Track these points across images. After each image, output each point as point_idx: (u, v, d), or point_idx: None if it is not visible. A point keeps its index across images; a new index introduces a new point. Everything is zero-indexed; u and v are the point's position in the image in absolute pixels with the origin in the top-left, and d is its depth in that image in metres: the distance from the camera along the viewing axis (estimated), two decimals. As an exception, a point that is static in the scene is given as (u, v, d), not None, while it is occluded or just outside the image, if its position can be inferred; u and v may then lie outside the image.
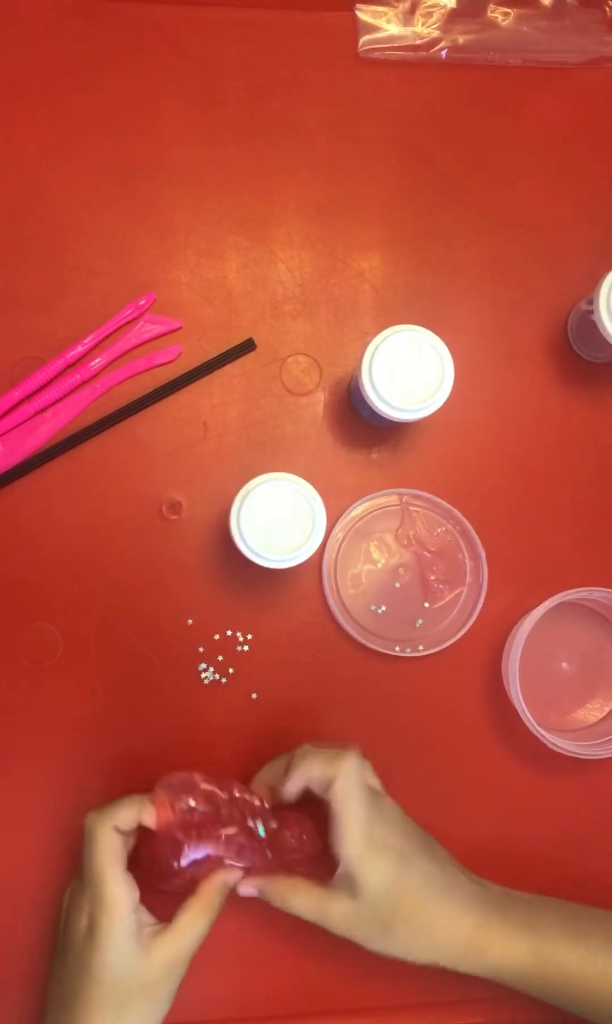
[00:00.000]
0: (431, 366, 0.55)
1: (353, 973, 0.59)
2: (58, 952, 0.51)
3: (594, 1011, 0.52)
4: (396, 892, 0.50)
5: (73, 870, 0.52)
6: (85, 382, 0.62)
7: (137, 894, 0.49)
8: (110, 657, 0.61)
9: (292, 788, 0.52)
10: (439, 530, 0.63)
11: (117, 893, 0.48)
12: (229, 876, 0.51)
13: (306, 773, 0.52)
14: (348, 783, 0.51)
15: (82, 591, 0.61)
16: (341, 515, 0.62)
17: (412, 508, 0.63)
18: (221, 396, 0.63)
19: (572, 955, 0.51)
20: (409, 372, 0.55)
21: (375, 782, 0.54)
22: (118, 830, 0.49)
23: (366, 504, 0.63)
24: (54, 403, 0.62)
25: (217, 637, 0.61)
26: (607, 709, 0.63)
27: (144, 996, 0.48)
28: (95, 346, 0.63)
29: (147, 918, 0.50)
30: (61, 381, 0.62)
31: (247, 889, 0.52)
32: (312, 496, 0.54)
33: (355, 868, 0.50)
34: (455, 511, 0.63)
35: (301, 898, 0.51)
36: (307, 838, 0.52)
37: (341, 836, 0.50)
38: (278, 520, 0.54)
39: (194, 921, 0.49)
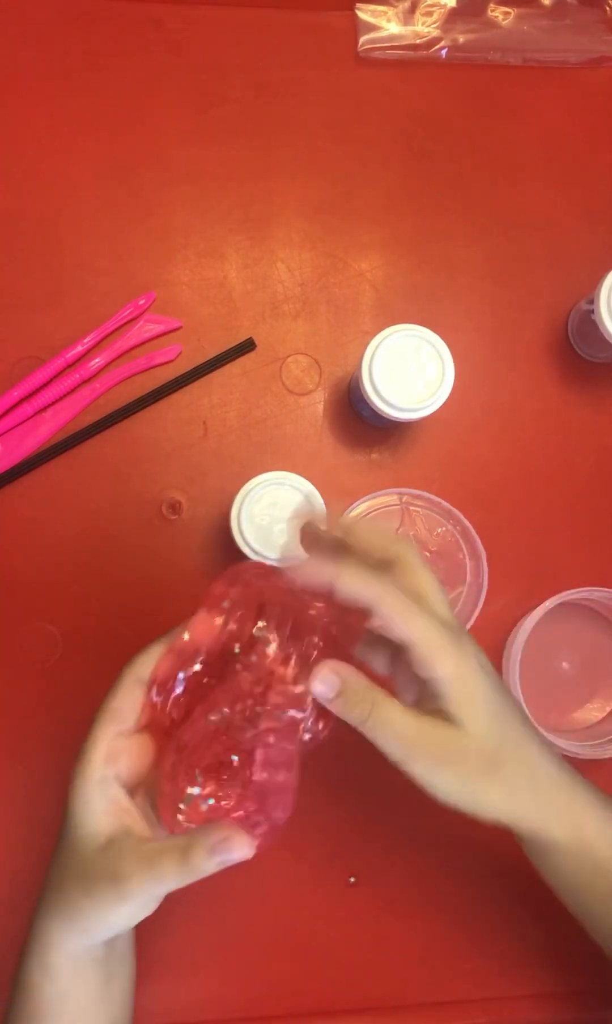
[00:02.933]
0: (431, 366, 0.55)
1: (353, 973, 0.59)
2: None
3: None
4: (503, 721, 0.42)
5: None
6: (85, 382, 0.62)
7: (115, 769, 0.42)
8: (110, 657, 0.61)
9: (309, 581, 0.41)
10: (439, 530, 0.63)
11: (89, 754, 0.42)
12: (235, 848, 0.38)
13: (341, 579, 0.40)
14: (394, 602, 0.40)
15: (82, 591, 0.61)
16: (341, 515, 0.62)
17: (412, 508, 0.63)
18: (221, 396, 0.63)
19: None
20: (409, 372, 0.55)
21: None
22: (141, 681, 0.42)
23: (366, 504, 0.63)
24: (54, 403, 0.62)
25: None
26: (607, 709, 0.63)
27: (108, 879, 0.40)
28: (95, 346, 0.63)
29: (121, 797, 0.42)
30: (61, 381, 0.62)
31: (322, 688, 0.40)
32: (312, 496, 0.54)
33: (455, 685, 0.40)
34: (455, 511, 0.63)
35: (398, 717, 0.40)
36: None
37: (429, 650, 0.40)
38: (278, 520, 0.54)
39: (161, 873, 0.39)
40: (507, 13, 0.68)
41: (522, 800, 0.42)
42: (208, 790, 0.39)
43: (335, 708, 0.40)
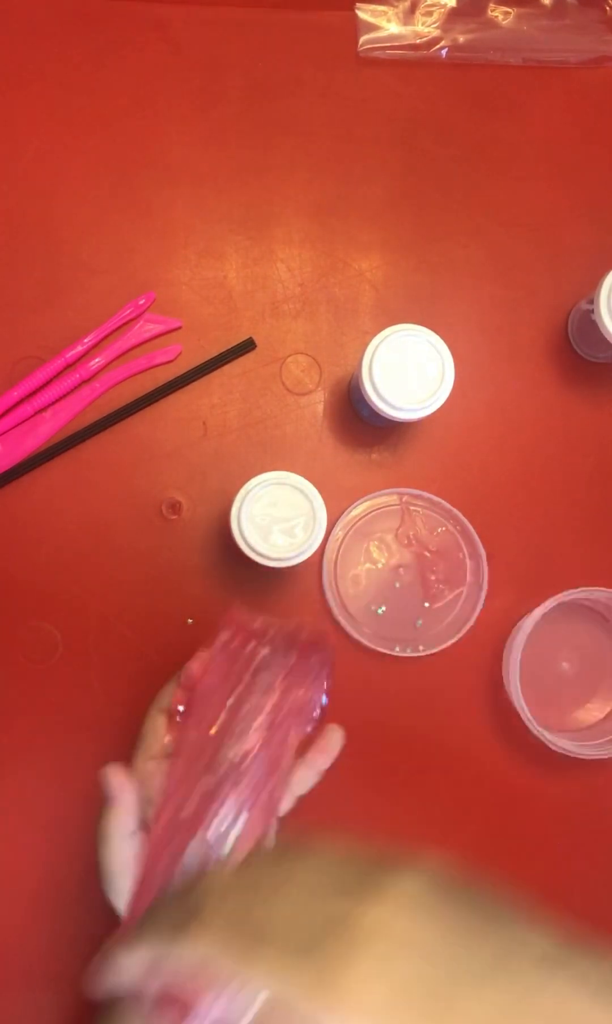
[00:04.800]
0: (431, 366, 0.55)
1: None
2: None
3: None
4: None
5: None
6: (85, 382, 0.62)
7: (146, 791, 0.45)
8: (110, 657, 0.61)
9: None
10: (439, 530, 0.63)
11: (116, 784, 0.44)
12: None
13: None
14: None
15: (82, 591, 0.61)
16: (341, 515, 0.62)
17: (412, 508, 0.63)
18: (221, 396, 0.63)
19: None
20: (409, 372, 0.55)
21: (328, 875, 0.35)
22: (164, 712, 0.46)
23: (366, 504, 0.63)
24: (54, 403, 0.62)
25: (217, 637, 0.61)
26: (607, 709, 0.63)
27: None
28: (95, 346, 0.63)
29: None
30: (61, 381, 0.62)
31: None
32: (312, 496, 0.54)
33: None
34: (455, 511, 0.63)
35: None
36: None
37: None
38: (278, 520, 0.54)
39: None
40: (507, 13, 0.68)
41: None
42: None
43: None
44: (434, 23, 0.67)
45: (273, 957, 0.32)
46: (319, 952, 0.31)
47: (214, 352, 0.63)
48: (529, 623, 0.58)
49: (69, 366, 0.62)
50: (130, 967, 0.36)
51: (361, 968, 0.31)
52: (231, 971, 0.32)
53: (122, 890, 0.43)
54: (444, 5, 0.68)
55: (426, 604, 0.62)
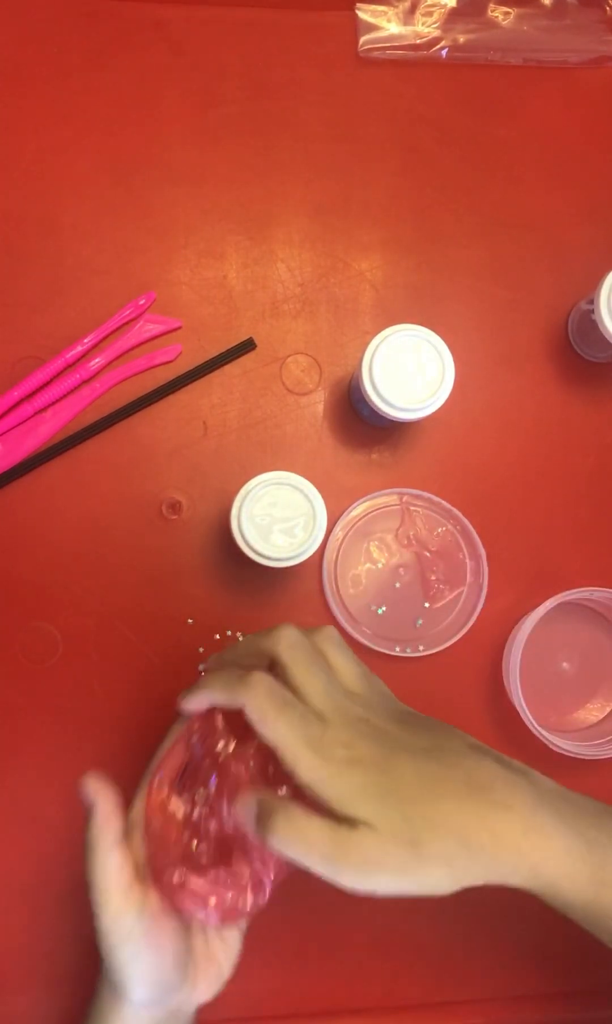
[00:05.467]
0: (431, 366, 0.55)
1: (353, 973, 0.59)
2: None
3: None
4: (398, 799, 0.39)
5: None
6: (85, 382, 0.62)
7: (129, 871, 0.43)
8: (110, 657, 0.61)
9: (191, 710, 0.43)
10: (439, 530, 0.63)
11: (92, 791, 0.44)
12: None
13: (209, 698, 0.42)
14: (255, 705, 0.40)
15: (82, 591, 0.61)
16: (341, 515, 0.62)
17: (412, 508, 0.63)
18: (221, 396, 0.63)
19: None
20: (409, 372, 0.55)
21: (315, 684, 0.42)
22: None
23: (366, 504, 0.63)
24: (54, 403, 0.62)
25: (217, 637, 0.61)
26: (607, 709, 0.63)
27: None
28: (95, 346, 0.63)
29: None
30: (61, 381, 0.62)
31: (240, 812, 0.41)
32: (313, 496, 0.54)
33: (322, 790, 0.39)
34: (455, 511, 0.63)
35: (309, 829, 0.38)
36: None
37: (288, 757, 0.39)
38: (278, 520, 0.54)
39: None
40: (507, 13, 0.68)
41: (464, 866, 0.39)
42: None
43: (258, 834, 0.40)
44: (434, 23, 0.67)
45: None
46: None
47: (214, 352, 0.63)
48: (529, 623, 0.58)
49: (69, 366, 0.62)
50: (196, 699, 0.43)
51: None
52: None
53: (106, 904, 0.43)
54: (444, 5, 0.68)
55: (426, 604, 0.62)
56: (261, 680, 0.41)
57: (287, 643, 0.43)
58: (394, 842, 0.38)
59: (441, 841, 0.38)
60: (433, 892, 0.39)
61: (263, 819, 0.39)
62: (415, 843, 0.38)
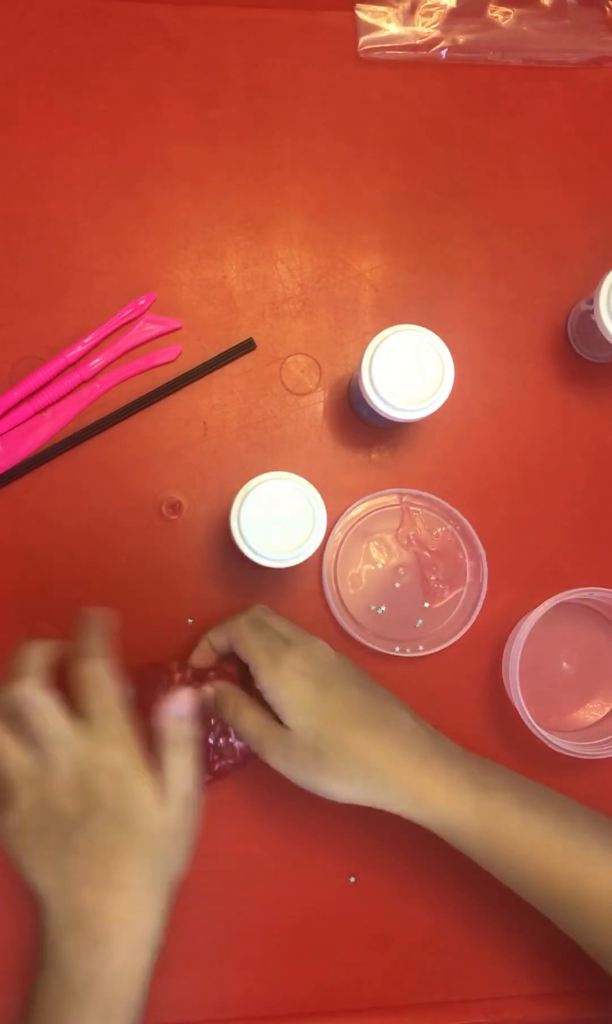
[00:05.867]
0: (431, 366, 0.55)
1: (353, 973, 0.59)
2: (82, 816, 0.48)
3: (530, 883, 0.50)
4: (319, 717, 0.50)
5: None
6: (85, 382, 0.62)
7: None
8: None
9: (218, 648, 0.56)
10: (439, 530, 0.63)
11: (135, 747, 0.49)
12: (176, 707, 0.51)
13: (214, 641, 0.56)
14: (237, 629, 0.54)
15: (82, 591, 0.61)
16: (341, 515, 0.62)
17: (412, 508, 0.63)
18: (221, 396, 0.63)
19: (517, 818, 0.49)
20: (409, 372, 0.55)
21: (287, 630, 0.54)
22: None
23: (366, 504, 0.63)
24: (54, 403, 0.62)
25: (217, 637, 0.61)
26: (607, 709, 0.63)
27: (174, 841, 0.49)
28: (95, 346, 0.63)
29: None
30: (61, 381, 0.62)
31: (208, 692, 0.54)
32: (312, 496, 0.54)
33: (271, 694, 0.50)
34: (455, 511, 0.63)
35: (249, 717, 0.52)
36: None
37: (253, 671, 0.51)
38: (278, 520, 0.54)
39: (176, 759, 0.50)
40: (507, 13, 0.68)
41: (358, 786, 0.49)
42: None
43: (218, 711, 0.53)
44: (434, 23, 0.68)
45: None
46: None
47: (214, 352, 0.63)
48: (529, 623, 0.58)
49: (69, 366, 0.62)
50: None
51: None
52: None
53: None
54: (444, 5, 0.68)
55: (426, 604, 0.62)
56: (244, 615, 0.55)
57: (260, 608, 0.56)
58: (302, 749, 0.49)
59: (343, 760, 0.49)
60: (331, 797, 0.50)
61: (221, 703, 0.53)
62: (318, 755, 0.49)
